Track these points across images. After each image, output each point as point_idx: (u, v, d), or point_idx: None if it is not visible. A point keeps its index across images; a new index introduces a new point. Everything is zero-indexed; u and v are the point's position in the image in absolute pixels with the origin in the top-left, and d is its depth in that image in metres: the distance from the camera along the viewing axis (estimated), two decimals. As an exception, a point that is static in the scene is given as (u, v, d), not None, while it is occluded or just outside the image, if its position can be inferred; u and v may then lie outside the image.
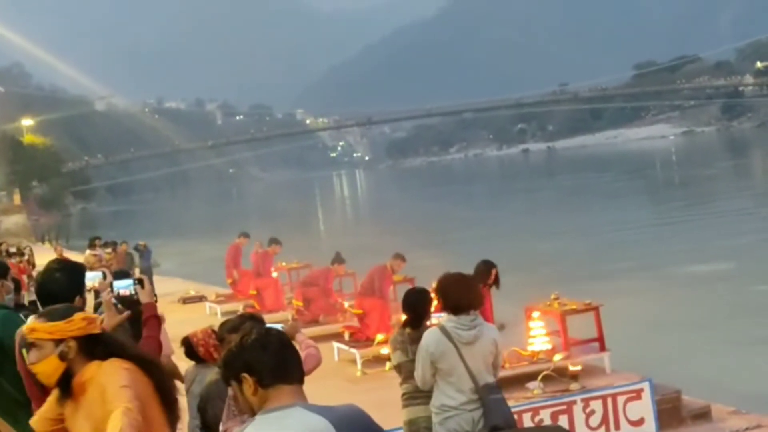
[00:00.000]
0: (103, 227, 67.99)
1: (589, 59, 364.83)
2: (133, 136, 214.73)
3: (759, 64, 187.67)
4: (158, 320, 4.33)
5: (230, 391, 4.64)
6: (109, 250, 22.14)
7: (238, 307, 16.95)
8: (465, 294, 5.52)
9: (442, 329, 5.45)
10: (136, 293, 4.44)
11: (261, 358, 2.70)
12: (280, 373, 2.70)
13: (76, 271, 4.15)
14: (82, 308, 4.12)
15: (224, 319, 15.97)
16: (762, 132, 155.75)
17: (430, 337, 5.50)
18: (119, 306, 4.53)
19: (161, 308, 5.15)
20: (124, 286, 4.52)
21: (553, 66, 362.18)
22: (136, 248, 24.10)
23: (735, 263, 23.11)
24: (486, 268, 8.79)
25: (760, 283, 19.94)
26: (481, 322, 5.51)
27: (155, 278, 21.70)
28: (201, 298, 19.50)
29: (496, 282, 8.77)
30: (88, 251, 21.40)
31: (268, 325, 4.39)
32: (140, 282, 4.44)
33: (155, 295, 4.86)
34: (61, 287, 4.00)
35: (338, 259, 14.20)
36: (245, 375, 2.71)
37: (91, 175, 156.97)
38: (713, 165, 76.49)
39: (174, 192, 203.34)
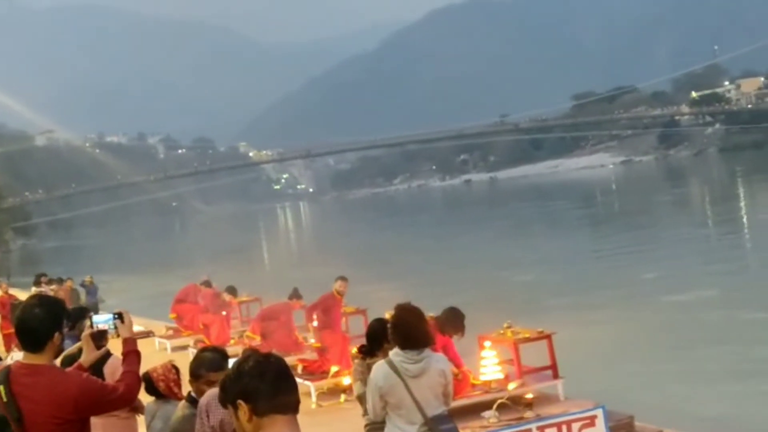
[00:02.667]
0: (45, 263, 66.87)
1: (528, 90, 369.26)
2: (75, 170, 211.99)
3: (694, 94, 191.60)
4: (138, 355, 4.31)
5: (198, 426, 4.63)
6: (54, 286, 21.77)
7: (188, 341, 16.85)
8: (417, 327, 5.49)
9: (390, 363, 5.46)
10: (116, 328, 4.41)
11: (258, 385, 2.68)
12: (275, 402, 2.69)
13: (56, 307, 4.12)
14: (60, 344, 4.09)
15: (175, 354, 15.78)
16: (698, 160, 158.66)
17: (378, 371, 5.50)
18: None
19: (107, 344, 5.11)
20: (103, 321, 4.50)
21: (493, 97, 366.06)
22: (82, 284, 23.81)
23: (686, 291, 23.25)
24: (456, 316, 8.86)
25: (710, 311, 20.25)
26: (429, 354, 5.49)
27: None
28: (149, 334, 19.28)
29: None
30: (33, 288, 21.03)
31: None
32: (120, 316, 4.41)
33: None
34: (42, 322, 3.97)
35: (296, 295, 14.40)
36: (241, 402, 2.69)
37: (31, 211, 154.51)
38: (655, 193, 77.62)
39: (116, 227, 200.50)
